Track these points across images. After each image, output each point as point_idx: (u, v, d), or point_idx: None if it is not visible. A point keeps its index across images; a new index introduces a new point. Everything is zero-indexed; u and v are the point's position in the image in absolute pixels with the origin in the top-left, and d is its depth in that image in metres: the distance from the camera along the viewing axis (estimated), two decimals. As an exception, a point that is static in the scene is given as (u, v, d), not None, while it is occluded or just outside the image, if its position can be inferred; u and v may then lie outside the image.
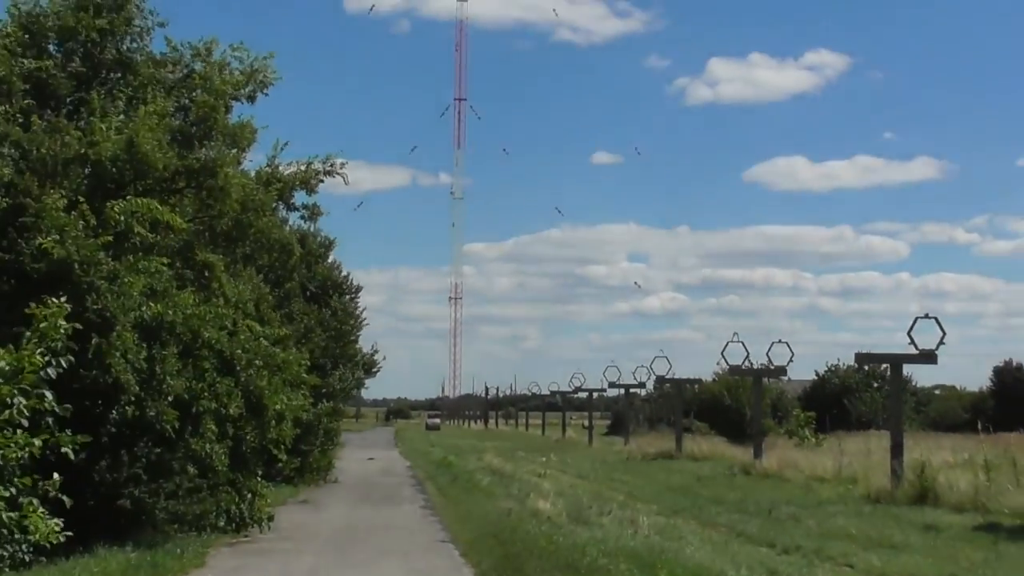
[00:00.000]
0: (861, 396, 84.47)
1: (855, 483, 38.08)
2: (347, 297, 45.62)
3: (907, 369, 59.87)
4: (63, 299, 16.22)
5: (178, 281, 20.73)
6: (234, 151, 23.26)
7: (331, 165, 24.48)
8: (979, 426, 63.36)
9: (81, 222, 18.40)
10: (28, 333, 15.24)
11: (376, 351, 53.86)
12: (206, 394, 19.96)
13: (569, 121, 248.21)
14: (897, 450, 35.95)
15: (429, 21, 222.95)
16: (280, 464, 28.97)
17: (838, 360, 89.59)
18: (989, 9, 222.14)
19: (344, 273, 46.01)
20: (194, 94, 22.53)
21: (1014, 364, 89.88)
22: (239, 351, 21.15)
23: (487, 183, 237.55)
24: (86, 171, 20.01)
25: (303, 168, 24.21)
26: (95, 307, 18.01)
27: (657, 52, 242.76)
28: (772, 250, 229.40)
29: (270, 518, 22.95)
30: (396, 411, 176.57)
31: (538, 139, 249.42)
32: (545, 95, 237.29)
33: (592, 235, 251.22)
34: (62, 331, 15.80)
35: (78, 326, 15.98)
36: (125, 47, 22.58)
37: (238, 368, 21.09)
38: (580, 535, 20.55)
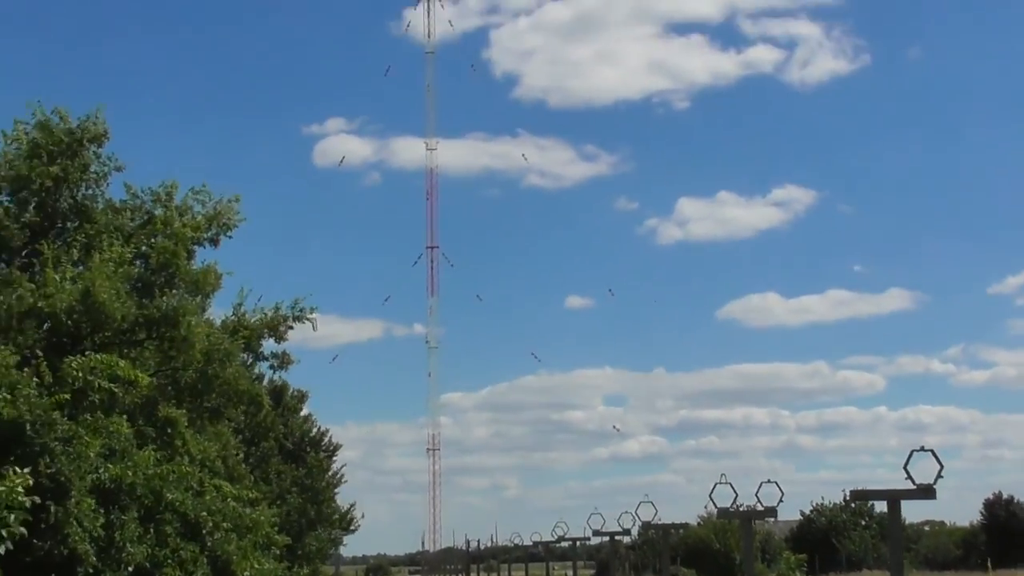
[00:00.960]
0: (850, 535, 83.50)
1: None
2: (323, 454, 44.23)
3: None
4: (12, 461, 15.08)
5: (139, 439, 19.18)
6: (198, 298, 21.91)
7: (300, 310, 23.13)
8: (974, 562, 62.62)
9: (35, 379, 17.00)
10: None
11: (353, 507, 52.29)
12: (169, 561, 18.22)
13: (542, 265, 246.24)
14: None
15: (399, 172, 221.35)
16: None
17: (822, 498, 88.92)
18: (954, 143, 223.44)
19: (321, 428, 44.71)
20: (154, 240, 21.22)
21: (1004, 497, 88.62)
22: (204, 513, 19.43)
23: (462, 331, 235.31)
24: (40, 325, 18.70)
25: (270, 314, 22.81)
26: (48, 471, 16.45)
27: (626, 194, 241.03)
28: (749, 388, 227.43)
29: None
30: (375, 568, 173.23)
31: (511, 285, 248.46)
32: (516, 241, 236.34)
33: (568, 380, 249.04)
34: (20, 499, 14.58)
35: (36, 499, 14.66)
36: (80, 195, 21.32)
37: (204, 532, 19.38)
38: None
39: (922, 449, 36.55)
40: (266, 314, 22.85)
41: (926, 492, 36.89)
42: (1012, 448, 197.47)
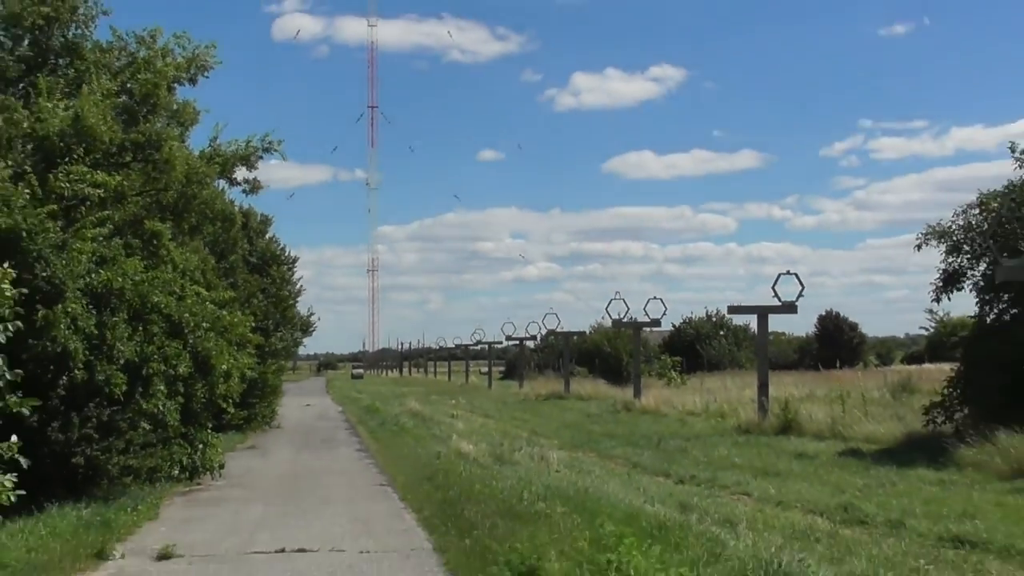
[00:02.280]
0: (711, 343, 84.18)
1: (723, 417, 37.15)
2: (285, 268, 43.09)
3: (745, 319, 59.82)
4: (9, 267, 13.90)
5: (127, 250, 17.97)
6: (179, 130, 20.41)
7: (268, 143, 21.63)
8: (807, 364, 63.52)
9: (27, 192, 15.70)
10: None
11: (312, 314, 51.47)
12: (156, 357, 17.12)
13: (462, 124, 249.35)
14: (763, 388, 34.39)
15: (344, 46, 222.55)
16: (229, 415, 26.51)
17: (691, 313, 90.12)
18: (801, 26, 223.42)
19: (281, 246, 43.46)
20: (138, 76, 19.55)
21: (833, 313, 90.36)
22: (187, 315, 18.27)
23: (396, 176, 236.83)
24: (34, 147, 17.25)
25: (243, 145, 21.30)
26: (44, 274, 15.30)
27: (531, 68, 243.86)
28: (626, 227, 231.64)
29: (221, 466, 20.39)
30: (326, 363, 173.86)
31: (437, 140, 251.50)
32: (440, 104, 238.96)
33: (481, 217, 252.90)
34: (7, 295, 13.47)
35: (24, 291, 13.51)
36: (71, 34, 19.62)
37: (186, 331, 18.24)
38: (506, 474, 18.45)
39: (788, 272, 36.16)
40: (240, 145, 21.30)
41: (790, 308, 36.75)
42: (833, 277, 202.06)
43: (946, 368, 54.88)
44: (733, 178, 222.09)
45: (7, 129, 16.43)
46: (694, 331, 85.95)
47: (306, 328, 49.64)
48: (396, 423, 35.26)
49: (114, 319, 16.46)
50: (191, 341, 18.28)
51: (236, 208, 26.23)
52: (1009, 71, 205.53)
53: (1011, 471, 19.89)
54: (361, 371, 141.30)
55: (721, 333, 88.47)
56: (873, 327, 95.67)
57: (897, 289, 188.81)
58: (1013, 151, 26.24)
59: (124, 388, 16.22)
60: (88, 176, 16.87)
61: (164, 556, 12.29)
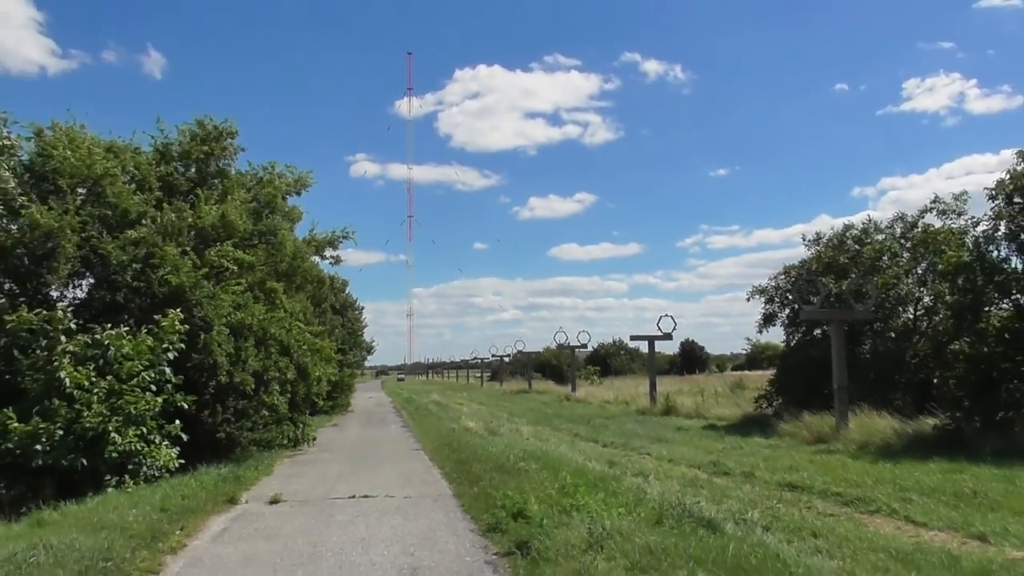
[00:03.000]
0: (615, 359, 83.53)
1: (627, 404, 36.22)
2: (356, 312, 42.23)
3: (638, 344, 59.51)
4: (179, 311, 12.97)
5: (255, 300, 16.91)
6: (289, 224, 19.43)
7: (346, 232, 20.87)
8: (675, 372, 63.08)
9: (190, 262, 14.74)
10: (147, 328, 12.05)
11: (373, 341, 50.81)
12: (272, 368, 16.18)
13: (462, 228, 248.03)
14: (653, 386, 33.63)
15: (392, 180, 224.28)
16: (321, 404, 25.36)
17: (602, 340, 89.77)
18: (663, 169, 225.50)
19: (354, 299, 42.65)
20: (263, 190, 18.75)
21: (689, 340, 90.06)
22: (293, 341, 17.36)
23: (423, 258, 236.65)
24: (193, 233, 16.24)
25: (330, 233, 20.40)
26: (199, 315, 14.27)
27: (503, 194, 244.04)
28: (562, 288, 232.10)
29: (314, 438, 19.36)
30: (382, 371, 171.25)
31: (448, 237, 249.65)
32: (450, 215, 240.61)
33: (475, 283, 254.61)
34: (177, 328, 12.52)
35: (186, 327, 12.60)
36: (222, 163, 18.67)
37: (292, 351, 17.31)
38: (496, 442, 17.36)
39: (667, 315, 35.95)
40: (328, 233, 20.45)
41: (667, 337, 36.08)
42: (687, 319, 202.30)
43: (760, 374, 54.26)
44: (626, 260, 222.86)
45: (178, 223, 15.43)
46: (604, 351, 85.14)
47: (369, 350, 49.04)
48: (426, 409, 34.10)
49: (246, 344, 15.41)
50: (295, 358, 17.24)
51: (325, 274, 25.34)
52: (786, 200, 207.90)
53: (812, 438, 19.12)
54: (403, 376, 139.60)
55: (621, 352, 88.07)
56: (712, 349, 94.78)
57: (725, 326, 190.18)
58: (804, 240, 26.23)
59: (252, 387, 15.16)
60: (230, 253, 15.89)
61: (274, 501, 11.16)
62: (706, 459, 16.61)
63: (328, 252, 20.77)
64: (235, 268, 15.94)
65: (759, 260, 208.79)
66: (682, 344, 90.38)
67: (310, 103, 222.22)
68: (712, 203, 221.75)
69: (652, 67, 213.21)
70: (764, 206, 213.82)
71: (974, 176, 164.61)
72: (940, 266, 18.45)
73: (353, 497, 11.46)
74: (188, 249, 15.11)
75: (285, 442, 17.82)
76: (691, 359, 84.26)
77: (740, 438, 20.58)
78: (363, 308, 44.39)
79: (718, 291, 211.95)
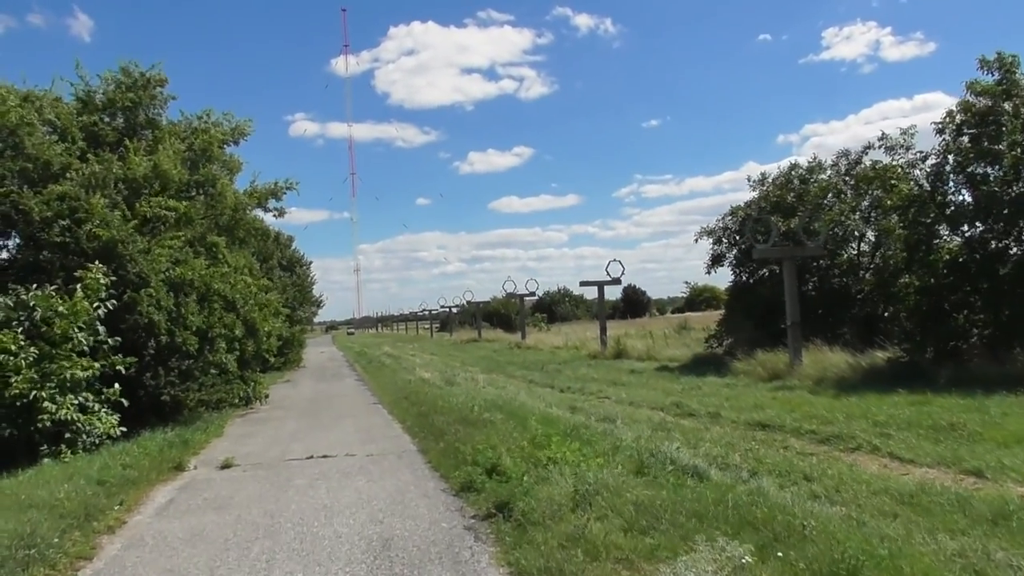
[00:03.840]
0: (562, 305, 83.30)
1: (578, 349, 35.53)
2: (304, 268, 40.46)
3: (585, 290, 58.74)
4: (113, 267, 11.56)
5: (196, 255, 15.37)
6: (228, 175, 17.75)
7: (289, 183, 19.00)
8: (618, 316, 63.05)
9: (120, 215, 13.17)
10: (78, 287, 10.50)
11: (322, 295, 48.97)
12: (217, 325, 14.75)
13: (405, 184, 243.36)
14: (603, 330, 32.99)
15: (333, 139, 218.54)
16: (272, 361, 24.01)
17: (555, 287, 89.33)
18: (601, 119, 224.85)
19: (301, 254, 40.78)
20: (197, 138, 16.89)
21: (632, 285, 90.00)
22: (238, 296, 15.84)
23: (368, 214, 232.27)
24: (123, 185, 14.56)
25: (272, 184, 18.71)
26: (134, 271, 12.77)
27: (443, 150, 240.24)
28: (504, 241, 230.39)
29: (266, 396, 18.02)
30: (331, 326, 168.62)
31: (391, 193, 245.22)
32: (392, 172, 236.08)
33: (419, 238, 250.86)
34: (102, 283, 11.10)
35: (113, 278, 11.24)
36: (152, 113, 16.83)
37: (238, 306, 15.83)
38: (455, 392, 16.43)
39: (614, 260, 35.38)
40: (271, 184, 18.74)
41: (616, 281, 35.36)
42: (627, 265, 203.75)
43: (703, 315, 53.98)
44: (564, 211, 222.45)
45: (104, 174, 13.75)
46: (550, 299, 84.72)
47: (319, 304, 47.21)
48: (379, 361, 32.96)
49: (187, 300, 13.95)
50: (242, 313, 15.83)
51: (270, 228, 23.59)
52: (716, 149, 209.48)
53: (768, 376, 18.72)
54: (353, 331, 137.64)
55: (566, 300, 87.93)
56: (651, 293, 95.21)
57: (660, 271, 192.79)
58: (749, 181, 25.80)
59: (196, 347, 13.80)
60: (163, 203, 14.28)
61: (226, 465, 10.01)
62: (667, 400, 15.97)
63: (271, 204, 19.09)
64: (172, 220, 14.42)
65: (691, 207, 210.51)
66: (624, 289, 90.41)
67: (246, 64, 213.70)
68: (646, 153, 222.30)
69: (583, 21, 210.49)
70: (695, 155, 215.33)
71: (890, 121, 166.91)
72: (890, 200, 17.93)
73: (311, 457, 10.36)
74: (118, 201, 13.49)
75: (236, 401, 16.53)
76: (634, 303, 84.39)
77: (696, 378, 20.04)
78: (311, 263, 42.67)
79: (652, 239, 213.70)
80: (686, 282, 70.20)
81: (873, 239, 23.37)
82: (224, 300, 15.13)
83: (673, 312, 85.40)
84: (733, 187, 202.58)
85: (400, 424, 13.23)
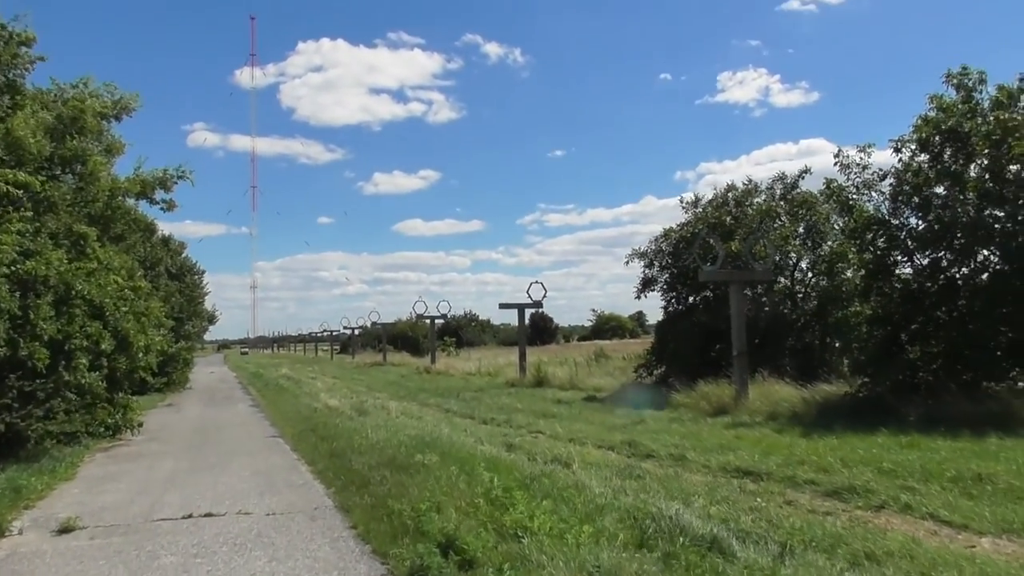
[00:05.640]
0: (468, 329, 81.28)
1: (492, 375, 33.37)
2: (196, 277, 36.46)
3: (499, 315, 56.71)
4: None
5: (56, 248, 12.22)
6: (105, 157, 14.45)
7: (181, 171, 15.73)
8: (528, 343, 61.84)
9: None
10: None
11: (216, 309, 44.83)
12: (78, 335, 11.61)
13: (307, 201, 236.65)
14: (523, 356, 30.83)
15: (234, 151, 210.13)
16: (152, 381, 20.65)
17: (462, 312, 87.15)
18: (507, 148, 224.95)
19: (194, 262, 36.83)
20: (67, 104, 13.63)
21: (540, 311, 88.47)
22: (107, 300, 12.63)
23: (268, 230, 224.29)
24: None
25: (161, 172, 15.48)
26: (-38, 262, 9.75)
27: (348, 169, 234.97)
28: (406, 264, 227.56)
29: (140, 424, 14.67)
30: (224, 345, 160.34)
31: (293, 209, 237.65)
32: (295, 188, 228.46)
33: (320, 257, 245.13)
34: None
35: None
36: (12, 75, 13.53)
37: (107, 313, 12.65)
38: (368, 424, 13.91)
39: (536, 282, 33.40)
40: (159, 172, 15.55)
41: (538, 305, 33.28)
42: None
43: (615, 343, 52.77)
44: (468, 236, 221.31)
45: None
46: (456, 323, 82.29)
47: (211, 319, 43.12)
48: (276, 384, 29.69)
49: (39, 302, 10.84)
50: (112, 322, 12.74)
51: (156, 222, 20.03)
52: (616, 181, 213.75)
53: (713, 410, 16.96)
54: (247, 350, 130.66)
55: (472, 324, 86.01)
56: (555, 321, 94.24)
57: (561, 300, 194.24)
58: (682, 202, 24.70)
59: (47, 362, 10.68)
60: (11, 176, 11.07)
61: (66, 529, 7.13)
62: (615, 438, 13.91)
63: (159, 196, 15.57)
64: (25, 202, 11.38)
65: (591, 238, 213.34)
66: (532, 316, 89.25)
67: (143, 66, 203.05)
68: (550, 182, 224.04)
69: (493, 49, 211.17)
70: (597, 186, 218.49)
71: (777, 163, 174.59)
72: (852, 222, 16.63)
73: (190, 516, 7.63)
74: None
75: (102, 430, 13.43)
76: (540, 330, 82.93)
77: (632, 411, 18.11)
78: (203, 272, 38.73)
79: (554, 266, 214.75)
80: (592, 310, 69.70)
81: (805, 266, 22.41)
82: (90, 305, 12.05)
83: (580, 340, 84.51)
84: (632, 219, 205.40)
85: (308, 466, 10.55)
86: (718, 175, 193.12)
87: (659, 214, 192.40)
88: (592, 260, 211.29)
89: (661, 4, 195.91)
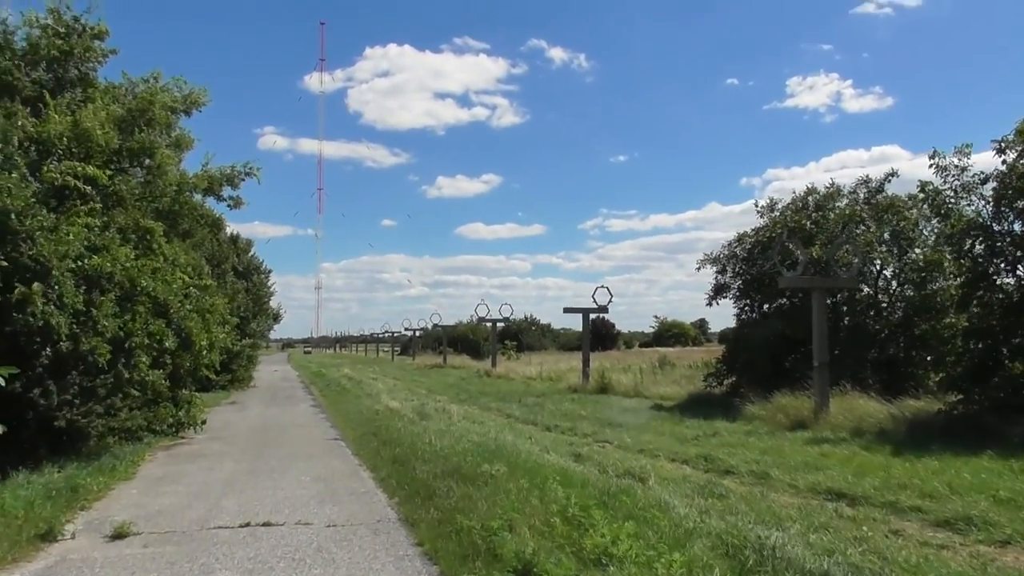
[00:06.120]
0: (528, 333, 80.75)
1: (554, 381, 32.58)
2: (262, 275, 36.63)
3: (565, 319, 55.96)
4: (8, 249, 8.37)
5: (123, 242, 12.02)
6: (176, 152, 14.38)
7: (249, 168, 15.47)
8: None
9: (17, 176, 9.76)
10: None
11: (280, 307, 45.15)
12: (140, 332, 11.32)
13: (372, 203, 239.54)
14: (586, 362, 30.08)
15: (302, 154, 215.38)
16: (215, 379, 20.60)
17: (512, 313, 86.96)
18: (569, 152, 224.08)
19: (260, 260, 37.10)
20: (135, 96, 13.48)
21: (602, 317, 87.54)
22: (172, 298, 12.44)
23: (333, 232, 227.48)
24: (31, 144, 11.22)
25: (229, 168, 15.23)
26: (30, 253, 9.48)
27: (412, 172, 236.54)
28: (468, 266, 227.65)
29: (203, 422, 14.58)
30: (288, 344, 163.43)
31: (358, 211, 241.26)
32: (360, 191, 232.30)
33: (383, 259, 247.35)
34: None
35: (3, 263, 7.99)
36: (85, 67, 13.45)
37: (171, 311, 12.44)
38: (431, 428, 13.39)
39: (602, 287, 32.62)
40: (227, 168, 15.27)
41: (603, 310, 32.51)
42: (587, 297, 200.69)
43: (679, 350, 51.63)
44: (529, 240, 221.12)
45: (6, 126, 10.40)
46: (516, 327, 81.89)
47: (276, 318, 43.24)
48: (338, 384, 29.55)
49: (103, 299, 10.60)
50: (176, 320, 12.48)
51: (224, 218, 19.69)
52: (680, 187, 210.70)
53: (791, 423, 15.96)
54: (310, 349, 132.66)
55: (532, 328, 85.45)
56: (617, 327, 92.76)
57: (622, 306, 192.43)
58: (757, 207, 23.53)
59: (107, 358, 10.43)
60: (79, 169, 10.95)
61: (119, 535, 6.76)
62: (689, 451, 13.14)
63: (227, 193, 15.30)
64: (93, 196, 11.20)
65: (654, 243, 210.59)
66: (593, 321, 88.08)
67: (217, 72, 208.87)
68: (612, 187, 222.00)
69: (557, 54, 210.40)
70: (659, 192, 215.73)
71: (849, 170, 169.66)
72: (949, 227, 15.45)
73: (247, 525, 7.17)
74: (19, 164, 10.12)
75: (164, 428, 13.25)
76: (602, 336, 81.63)
77: (703, 421, 17.29)
78: (270, 272, 38.94)
79: (615, 272, 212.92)
80: (655, 316, 68.46)
81: (889, 274, 21.13)
82: (154, 302, 11.83)
83: (641, 346, 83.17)
84: (695, 225, 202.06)
85: (370, 472, 10.07)
86: (786, 181, 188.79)
87: (723, 220, 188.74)
88: (654, 266, 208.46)
89: (729, 8, 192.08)
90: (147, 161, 12.82)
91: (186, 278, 13.32)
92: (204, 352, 13.52)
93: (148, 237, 12.50)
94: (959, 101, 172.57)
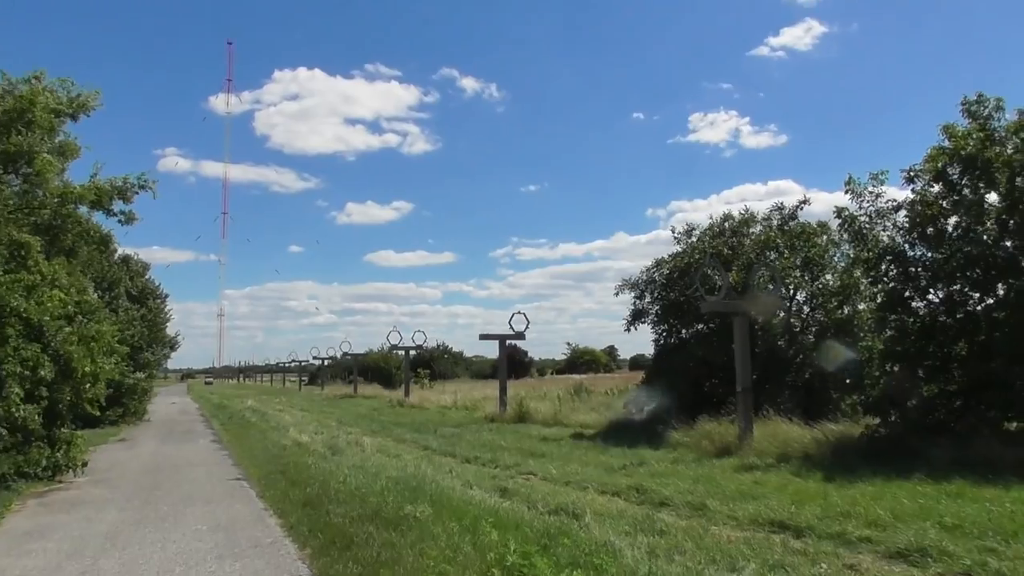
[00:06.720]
0: (440, 361, 79.46)
1: (470, 410, 31.72)
2: (159, 301, 34.32)
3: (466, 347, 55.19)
4: None
5: None
6: (57, 157, 12.82)
7: (144, 180, 13.84)
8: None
9: None
10: None
11: (178, 334, 42.54)
12: (10, 358, 9.93)
13: (278, 229, 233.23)
14: (503, 390, 29.26)
15: (206, 177, 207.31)
16: (103, 414, 18.74)
17: (434, 342, 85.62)
18: (480, 180, 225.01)
19: (156, 283, 34.76)
20: (14, 96, 11.94)
21: (514, 345, 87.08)
22: (47, 319, 10.95)
23: (237, 257, 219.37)
24: None
25: (120, 180, 13.68)
26: None
27: (321, 198, 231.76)
28: (377, 294, 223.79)
29: (84, 464, 12.94)
30: (188, 374, 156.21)
31: (263, 237, 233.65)
32: (266, 215, 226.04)
33: (290, 286, 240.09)
34: None
35: None
36: None
37: (47, 334, 10.97)
38: (344, 464, 12.44)
39: (519, 312, 32.03)
40: (119, 180, 13.84)
41: (519, 336, 31.92)
42: (498, 324, 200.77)
43: (592, 377, 51.57)
44: (440, 268, 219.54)
45: None
46: (428, 355, 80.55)
47: (173, 346, 40.68)
48: (241, 417, 27.80)
49: None
50: (53, 345, 11.03)
51: (113, 235, 17.74)
52: (588, 218, 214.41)
53: (716, 450, 15.68)
54: (212, 380, 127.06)
55: (445, 356, 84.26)
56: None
57: (531, 333, 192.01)
58: (674, 232, 23.83)
59: None
60: None
61: None
62: (619, 482, 12.53)
63: (117, 208, 13.61)
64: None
65: (563, 272, 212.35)
66: (509, 349, 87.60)
67: (115, 89, 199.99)
68: (523, 216, 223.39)
69: (469, 83, 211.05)
70: (569, 222, 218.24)
71: (747, 202, 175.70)
72: (865, 252, 15.57)
73: (128, 592, 6.09)
74: None
75: (38, 471, 11.67)
76: (516, 363, 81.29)
77: (628, 450, 16.81)
78: (167, 296, 36.63)
79: (526, 300, 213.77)
80: (567, 343, 68.59)
81: (802, 299, 21.39)
82: (26, 324, 10.37)
83: (555, 373, 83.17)
84: (603, 255, 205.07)
85: (278, 518, 8.92)
86: (688, 213, 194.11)
87: (630, 250, 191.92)
88: (563, 294, 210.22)
89: (635, 45, 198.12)
90: (25, 168, 11.36)
91: (64, 296, 11.78)
92: (88, 384, 12.01)
93: (23, 253, 11.01)
94: (847, 138, 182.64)
